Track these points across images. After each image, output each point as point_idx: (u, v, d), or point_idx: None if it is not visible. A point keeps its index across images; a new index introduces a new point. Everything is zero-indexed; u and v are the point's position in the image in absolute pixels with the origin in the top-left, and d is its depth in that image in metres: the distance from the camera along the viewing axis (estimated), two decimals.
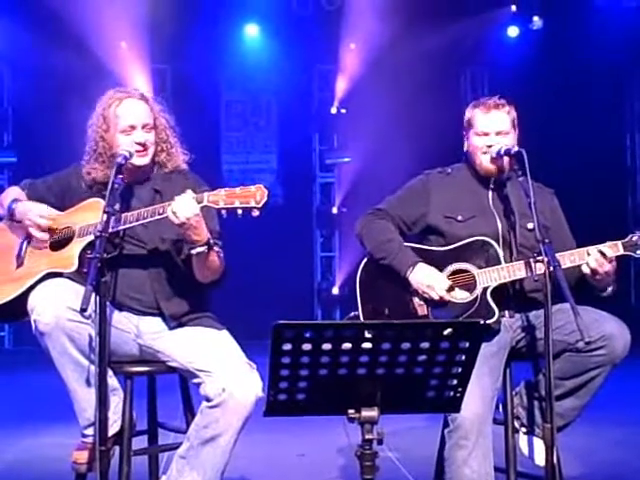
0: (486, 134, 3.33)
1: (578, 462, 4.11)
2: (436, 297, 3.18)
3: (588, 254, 3.09)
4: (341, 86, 10.28)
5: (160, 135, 3.24)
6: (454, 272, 3.25)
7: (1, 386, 6.88)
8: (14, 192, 3.34)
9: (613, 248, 3.10)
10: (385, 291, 3.32)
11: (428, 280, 3.19)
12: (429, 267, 3.23)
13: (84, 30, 8.90)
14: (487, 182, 3.38)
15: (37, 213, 3.20)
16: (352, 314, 3.37)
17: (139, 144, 3.14)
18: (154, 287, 3.14)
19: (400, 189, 3.50)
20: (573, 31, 9.60)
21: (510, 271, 3.18)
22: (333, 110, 10.39)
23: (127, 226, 3.04)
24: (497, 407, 3.17)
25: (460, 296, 3.21)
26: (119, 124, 3.14)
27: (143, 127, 3.16)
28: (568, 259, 3.11)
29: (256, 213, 2.90)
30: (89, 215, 3.13)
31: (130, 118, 3.15)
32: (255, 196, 2.88)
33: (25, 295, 3.03)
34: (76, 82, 8.42)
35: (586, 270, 3.09)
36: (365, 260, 3.39)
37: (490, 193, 3.38)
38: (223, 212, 2.92)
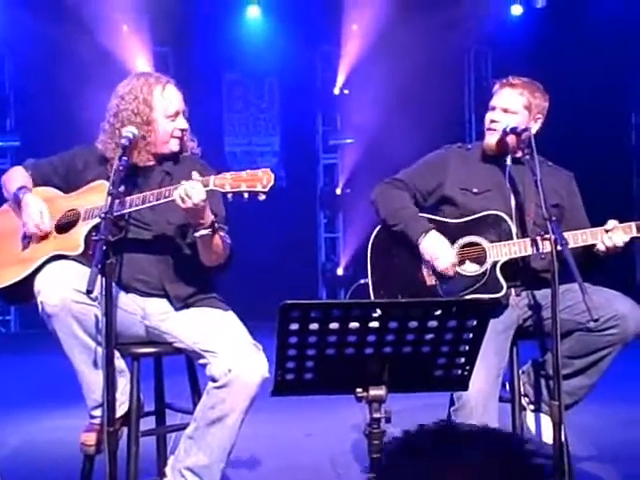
0: (493, 108, 3.34)
1: (586, 440, 4.10)
2: (439, 269, 3.19)
3: (606, 231, 3.07)
4: (344, 67, 10.20)
5: None
6: (466, 245, 3.26)
7: (7, 369, 6.88)
8: (19, 175, 3.32)
9: (626, 230, 3.09)
10: (395, 260, 3.34)
11: (436, 250, 3.20)
12: (440, 237, 3.23)
13: (86, 14, 8.84)
14: (504, 160, 3.37)
15: (35, 224, 3.15)
16: (362, 281, 3.38)
17: (182, 130, 3.19)
18: (160, 269, 3.14)
19: (418, 161, 3.50)
20: (577, 9, 9.52)
21: (521, 247, 3.18)
22: (336, 91, 10.32)
23: (133, 209, 3.03)
24: (504, 385, 3.17)
25: (470, 269, 3.22)
26: (168, 109, 3.16)
27: (183, 114, 3.21)
28: (580, 238, 3.11)
29: (262, 197, 2.89)
30: (95, 197, 3.12)
31: (177, 104, 3.20)
32: (262, 180, 2.87)
33: (32, 277, 3.03)
34: (78, 66, 8.39)
35: (601, 248, 3.08)
36: (378, 228, 3.40)
37: (506, 170, 3.36)
38: (229, 196, 2.92)
